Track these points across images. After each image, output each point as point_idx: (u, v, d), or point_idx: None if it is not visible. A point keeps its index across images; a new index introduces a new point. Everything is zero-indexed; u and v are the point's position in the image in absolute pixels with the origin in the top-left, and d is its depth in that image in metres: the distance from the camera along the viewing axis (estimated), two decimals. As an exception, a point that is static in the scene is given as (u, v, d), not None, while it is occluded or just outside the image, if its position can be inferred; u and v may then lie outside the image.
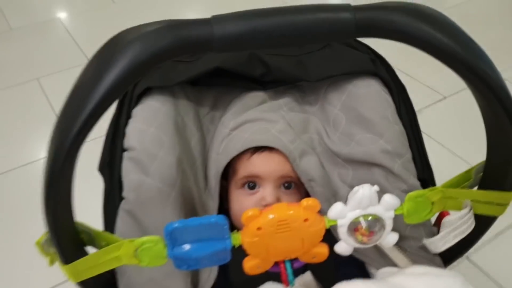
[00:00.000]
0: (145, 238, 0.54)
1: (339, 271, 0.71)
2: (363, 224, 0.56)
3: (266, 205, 0.70)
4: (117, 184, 0.69)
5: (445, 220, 0.57)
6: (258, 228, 0.55)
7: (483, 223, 0.58)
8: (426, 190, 0.56)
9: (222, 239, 0.55)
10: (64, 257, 0.52)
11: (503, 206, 0.54)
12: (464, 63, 0.45)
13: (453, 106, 1.64)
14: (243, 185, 0.73)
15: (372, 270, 0.69)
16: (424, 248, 0.66)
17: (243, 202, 0.73)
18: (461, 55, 0.45)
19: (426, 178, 0.71)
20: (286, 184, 0.73)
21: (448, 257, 0.66)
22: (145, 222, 0.65)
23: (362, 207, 0.55)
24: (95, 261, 0.54)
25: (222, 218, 0.54)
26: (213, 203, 0.73)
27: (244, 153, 0.72)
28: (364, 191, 0.54)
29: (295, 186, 0.73)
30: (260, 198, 0.71)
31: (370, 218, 0.56)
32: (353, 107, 0.74)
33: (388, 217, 0.56)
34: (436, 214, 0.67)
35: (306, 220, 0.55)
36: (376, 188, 0.55)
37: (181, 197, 0.67)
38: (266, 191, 0.71)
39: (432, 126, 1.46)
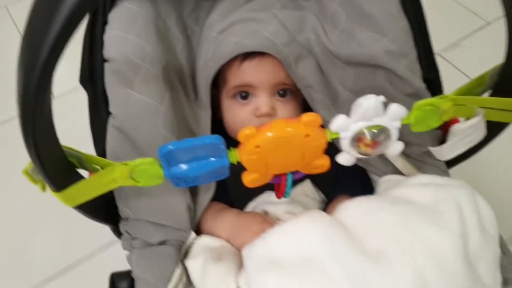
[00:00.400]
0: (139, 161, 0.51)
1: (340, 179, 0.70)
2: (367, 135, 0.53)
3: (261, 115, 0.67)
4: (101, 98, 0.64)
5: (454, 128, 0.54)
6: (256, 146, 0.52)
7: (493, 130, 0.55)
8: (436, 98, 0.52)
9: (219, 157, 0.53)
10: (55, 184, 0.49)
11: (516, 113, 0.51)
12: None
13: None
14: (234, 95, 0.69)
15: (374, 176, 0.68)
16: (427, 153, 0.64)
17: (236, 113, 0.69)
18: None
19: (431, 77, 0.67)
20: (281, 92, 0.68)
21: (451, 161, 0.64)
22: (137, 138, 0.62)
23: (367, 118, 0.52)
24: (89, 186, 0.52)
25: (217, 138, 0.51)
26: (205, 113, 0.69)
27: (234, 59, 0.66)
28: (369, 103, 0.50)
29: (290, 93, 0.69)
30: (254, 108, 0.67)
31: (374, 129, 0.53)
32: (354, 2, 0.67)
33: (394, 127, 0.53)
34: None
35: (307, 136, 0.52)
36: (382, 98, 0.51)
37: (171, 110, 0.63)
38: (260, 100, 0.67)
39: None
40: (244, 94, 0.68)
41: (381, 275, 0.47)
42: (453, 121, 0.61)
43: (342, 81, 0.68)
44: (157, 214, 0.61)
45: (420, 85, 0.63)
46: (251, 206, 0.70)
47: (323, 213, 0.56)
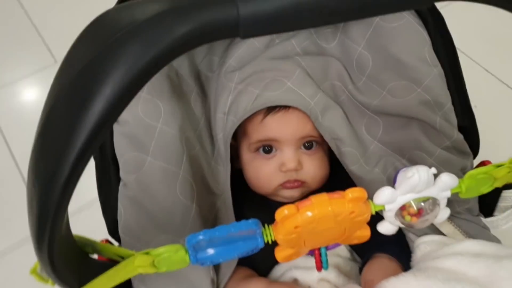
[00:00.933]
0: (162, 249, 0.46)
1: (373, 237, 0.65)
2: (414, 206, 0.48)
3: (287, 171, 0.62)
4: (111, 163, 0.58)
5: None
6: (296, 227, 0.46)
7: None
8: (491, 166, 0.47)
9: (253, 239, 0.47)
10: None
11: None
12: None
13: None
14: (257, 149, 0.64)
15: (410, 235, 0.63)
16: (469, 210, 0.59)
17: (260, 168, 0.64)
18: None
19: (466, 125, 0.62)
20: (307, 144, 0.63)
21: (488, 212, 0.60)
22: (153, 208, 0.56)
23: (416, 191, 0.47)
24: (107, 279, 0.46)
25: (254, 223, 0.45)
26: (225, 169, 0.63)
27: (256, 113, 0.61)
28: (420, 176, 0.45)
29: (316, 145, 0.64)
30: (279, 164, 0.62)
31: (422, 200, 0.48)
32: (382, 45, 0.61)
33: (443, 197, 0.48)
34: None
35: (352, 213, 0.47)
36: (433, 170, 0.46)
37: (189, 173, 0.58)
38: (285, 155, 0.62)
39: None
40: (268, 148, 0.63)
41: None
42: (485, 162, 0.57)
43: (370, 131, 0.63)
44: None
45: (458, 137, 0.59)
46: (278, 270, 0.64)
47: None
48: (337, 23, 0.38)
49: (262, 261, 0.64)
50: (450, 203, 0.58)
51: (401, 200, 0.48)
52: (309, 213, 0.46)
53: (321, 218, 0.46)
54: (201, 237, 0.44)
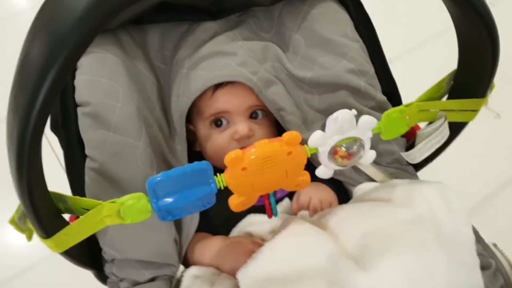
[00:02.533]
0: (126, 197, 0.51)
1: None
2: (343, 147, 0.56)
3: (240, 138, 0.69)
4: (76, 143, 0.64)
5: (420, 132, 0.58)
6: (243, 169, 0.53)
7: (454, 130, 0.60)
8: (402, 106, 0.56)
9: (206, 184, 0.54)
10: (45, 231, 0.48)
11: (475, 111, 0.56)
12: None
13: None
14: (211, 124, 0.71)
15: (349, 187, 0.71)
16: (396, 160, 0.68)
17: (215, 140, 0.70)
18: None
19: (390, 90, 0.72)
20: (254, 114, 0.71)
21: (418, 164, 0.68)
22: (117, 177, 0.62)
23: (342, 132, 0.55)
24: (78, 228, 0.51)
25: (206, 164, 0.52)
26: (182, 147, 0.70)
27: (206, 91, 0.69)
28: (343, 117, 0.54)
29: (263, 115, 0.72)
30: (232, 133, 0.69)
31: (349, 141, 0.56)
32: (311, 28, 0.71)
33: (366, 137, 0.57)
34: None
35: (289, 153, 0.54)
36: (354, 112, 0.54)
37: (149, 146, 0.64)
38: (237, 124, 0.69)
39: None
40: (219, 121, 0.70)
41: (372, 280, 0.50)
42: (415, 127, 0.66)
43: (308, 102, 0.72)
44: (145, 251, 0.61)
45: (381, 97, 0.68)
46: (234, 232, 0.70)
47: (308, 224, 0.58)
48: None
49: (220, 226, 0.70)
50: (380, 155, 0.67)
51: (331, 142, 0.56)
52: (253, 155, 0.53)
53: (264, 159, 0.53)
54: (159, 178, 0.50)
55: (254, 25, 0.77)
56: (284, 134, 0.54)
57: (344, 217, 0.58)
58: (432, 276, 0.50)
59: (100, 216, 0.51)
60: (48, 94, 0.37)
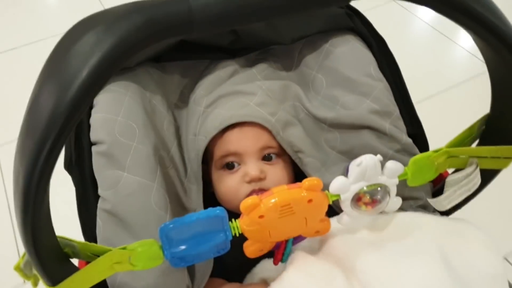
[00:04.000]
0: (137, 243, 0.49)
1: None
2: (367, 194, 0.53)
3: (251, 180, 0.66)
4: (89, 183, 0.63)
5: (450, 179, 0.55)
6: (260, 216, 0.51)
7: (486, 177, 0.56)
8: (431, 152, 0.53)
9: (221, 230, 0.51)
10: (50, 279, 0.46)
11: (509, 159, 0.52)
12: (470, 12, 0.41)
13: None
14: (222, 166, 0.69)
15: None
16: (422, 207, 0.64)
17: (227, 183, 0.68)
18: (467, 4, 0.41)
19: (416, 132, 0.69)
20: (266, 156, 0.68)
21: (446, 212, 0.64)
22: (129, 219, 0.59)
23: (366, 178, 0.52)
24: (85, 275, 0.48)
25: (221, 210, 0.50)
26: (197, 187, 0.68)
27: (218, 133, 0.67)
28: (367, 162, 0.51)
29: (277, 157, 0.69)
30: (243, 175, 0.67)
31: (373, 188, 0.53)
32: (333, 67, 0.69)
33: (392, 184, 0.54)
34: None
35: (309, 201, 0.51)
36: (379, 157, 0.51)
37: (163, 187, 0.62)
38: (248, 166, 0.67)
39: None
40: (231, 164, 0.68)
41: None
42: (443, 172, 0.62)
43: (330, 143, 0.69)
44: None
45: (407, 140, 0.65)
46: (248, 278, 0.67)
47: (313, 258, 0.57)
48: (277, 17, 0.45)
49: (234, 272, 0.67)
50: (405, 201, 0.64)
51: (353, 188, 0.53)
52: (271, 202, 0.50)
53: (282, 207, 0.51)
54: (171, 225, 0.48)
55: (273, 63, 0.76)
56: (304, 181, 0.51)
57: (348, 249, 0.56)
58: None
59: (110, 263, 0.49)
60: (56, 141, 0.36)
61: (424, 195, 0.63)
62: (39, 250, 0.43)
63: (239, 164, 0.68)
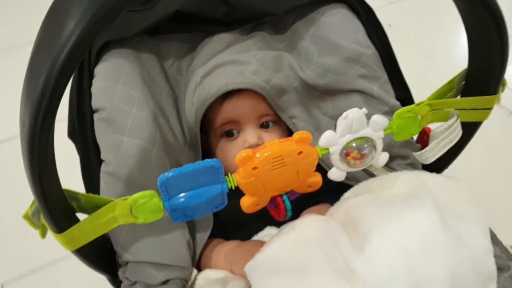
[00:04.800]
0: (139, 194, 0.52)
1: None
2: (355, 148, 0.56)
3: (250, 146, 0.69)
4: (92, 148, 0.66)
5: (434, 131, 0.58)
6: (254, 168, 0.53)
7: (468, 130, 0.59)
8: (413, 105, 0.56)
9: (217, 183, 0.54)
10: (57, 226, 0.49)
11: (488, 110, 0.55)
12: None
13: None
14: (221, 134, 0.72)
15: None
16: (412, 165, 0.67)
17: (226, 149, 0.71)
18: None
19: (404, 97, 0.72)
20: (264, 123, 0.71)
21: (436, 168, 0.67)
22: (131, 181, 0.62)
23: (352, 131, 0.55)
24: (90, 225, 0.51)
25: (216, 161, 0.52)
26: (196, 154, 0.71)
27: (215, 101, 0.70)
28: (353, 115, 0.54)
29: (274, 124, 0.72)
30: (242, 141, 0.70)
31: (360, 141, 0.56)
32: (323, 36, 0.72)
33: (378, 137, 0.56)
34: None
35: (300, 153, 0.54)
36: (364, 110, 0.54)
37: (163, 152, 0.65)
38: (247, 133, 0.70)
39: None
40: (230, 132, 0.71)
41: (369, 261, 0.51)
42: (426, 130, 0.65)
43: (322, 109, 0.72)
44: (158, 254, 0.61)
45: (395, 102, 0.68)
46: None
47: (315, 215, 0.58)
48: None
49: (234, 233, 0.70)
50: (393, 159, 0.67)
51: (342, 141, 0.56)
52: (265, 154, 0.53)
53: (274, 158, 0.54)
54: (170, 174, 0.51)
55: (267, 35, 0.79)
56: (295, 134, 0.54)
57: (348, 207, 0.59)
58: (429, 248, 0.50)
59: (112, 214, 0.52)
60: (58, 79, 0.39)
61: (411, 153, 0.66)
62: (46, 195, 0.46)
63: (238, 132, 0.71)
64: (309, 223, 0.57)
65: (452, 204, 0.54)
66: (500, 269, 0.53)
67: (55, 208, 0.48)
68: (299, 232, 0.56)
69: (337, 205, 0.60)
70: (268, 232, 0.70)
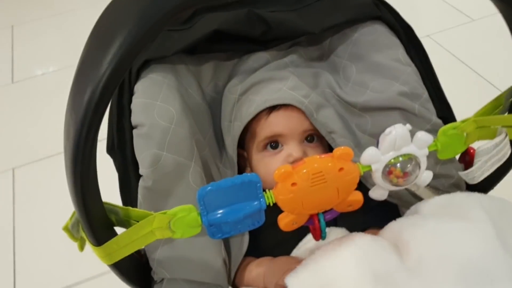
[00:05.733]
0: (177, 208, 0.52)
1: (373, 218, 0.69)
2: (398, 165, 0.55)
3: (294, 161, 0.68)
4: (131, 163, 0.66)
5: (480, 149, 0.55)
6: (293, 184, 0.52)
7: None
8: (459, 122, 0.54)
9: (255, 199, 0.53)
10: (96, 238, 0.49)
11: (537, 127, 0.53)
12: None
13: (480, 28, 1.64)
14: (265, 147, 0.71)
15: (405, 211, 0.68)
16: (456, 185, 0.65)
17: (269, 163, 0.70)
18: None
19: (445, 116, 0.70)
20: (308, 138, 0.71)
21: (482, 189, 0.64)
22: (168, 196, 0.62)
23: (396, 148, 0.54)
24: (128, 238, 0.51)
25: (255, 176, 0.52)
26: (232, 171, 0.70)
27: (259, 115, 0.69)
28: (397, 132, 0.53)
29: (317, 139, 0.71)
30: (286, 155, 0.68)
31: (403, 159, 0.54)
32: (362, 55, 0.72)
33: (422, 155, 0.55)
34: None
35: (341, 169, 0.53)
36: (408, 126, 0.53)
37: (200, 167, 0.65)
38: (291, 147, 0.69)
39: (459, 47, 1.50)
40: (274, 144, 0.70)
41: (424, 284, 0.48)
42: (470, 149, 0.63)
43: (361, 127, 0.71)
44: (194, 271, 0.60)
45: (437, 121, 0.66)
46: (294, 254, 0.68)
47: (365, 234, 0.56)
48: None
49: (271, 252, 0.68)
50: (437, 179, 0.65)
51: (384, 159, 0.54)
52: (305, 170, 0.52)
53: (315, 174, 0.52)
54: (209, 187, 0.50)
55: (304, 54, 0.79)
56: (336, 149, 0.53)
57: (400, 229, 0.55)
58: (489, 274, 0.47)
59: (151, 228, 0.51)
60: (104, 92, 0.39)
61: (456, 173, 0.64)
62: (87, 207, 0.46)
63: (282, 145, 0.70)
64: (358, 239, 0.55)
65: (507, 224, 0.51)
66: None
67: (95, 220, 0.48)
68: (347, 247, 0.54)
69: (388, 227, 0.58)
70: (305, 248, 0.68)
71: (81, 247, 0.52)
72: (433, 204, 0.57)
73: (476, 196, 0.56)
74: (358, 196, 0.57)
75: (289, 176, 0.53)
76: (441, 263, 0.48)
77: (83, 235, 0.50)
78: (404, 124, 0.65)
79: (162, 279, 0.61)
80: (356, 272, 0.49)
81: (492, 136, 0.55)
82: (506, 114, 0.56)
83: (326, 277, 0.51)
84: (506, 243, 0.49)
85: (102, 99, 0.39)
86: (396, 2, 0.77)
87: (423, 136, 0.54)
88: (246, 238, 0.65)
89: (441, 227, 0.53)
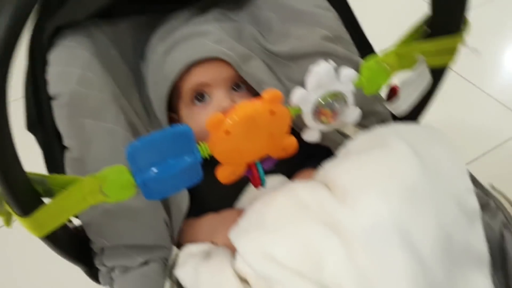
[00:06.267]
0: (107, 170, 0.49)
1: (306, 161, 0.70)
2: (326, 105, 0.55)
3: (223, 111, 0.66)
4: (54, 137, 0.62)
5: (402, 80, 0.57)
6: (226, 132, 0.52)
7: (436, 77, 0.59)
8: (380, 55, 0.55)
9: (190, 152, 0.52)
10: (22, 208, 0.46)
11: (452, 53, 0.55)
12: None
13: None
14: (192, 101, 0.68)
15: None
16: (383, 121, 0.67)
17: (199, 117, 0.66)
18: None
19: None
20: (235, 87, 0.68)
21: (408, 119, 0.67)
22: (98, 164, 0.59)
23: (322, 86, 0.54)
24: (58, 205, 0.48)
25: (186, 126, 0.50)
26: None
27: (185, 72, 0.67)
28: (320, 68, 0.53)
29: (245, 87, 0.69)
30: (215, 106, 0.65)
31: (331, 97, 0.55)
32: (282, 4, 0.72)
33: (348, 90, 0.56)
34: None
35: (272, 113, 0.53)
36: (332, 63, 0.53)
37: (129, 131, 0.63)
38: (219, 97, 0.65)
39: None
40: (201, 94, 0.67)
41: (352, 210, 0.50)
42: (395, 87, 0.65)
43: (288, 76, 0.71)
44: (134, 235, 0.58)
45: (359, 60, 0.68)
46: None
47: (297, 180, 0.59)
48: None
49: (213, 209, 0.67)
50: (365, 117, 0.66)
51: (312, 98, 0.55)
52: (236, 116, 0.52)
53: (247, 120, 0.52)
54: (138, 142, 0.48)
55: (225, 9, 0.77)
56: (265, 92, 0.53)
57: (328, 168, 0.58)
58: (411, 190, 0.50)
59: (81, 193, 0.49)
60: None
61: (383, 109, 0.66)
62: (8, 177, 0.43)
63: (209, 97, 0.67)
64: (291, 185, 0.56)
65: (428, 147, 0.54)
66: (481, 207, 0.53)
67: (19, 191, 0.45)
68: (282, 194, 0.55)
69: (320, 169, 0.60)
70: (253, 194, 0.68)
71: (7, 222, 0.49)
72: (359, 140, 0.60)
73: (392, 126, 0.60)
74: (292, 140, 0.58)
75: (221, 123, 0.52)
76: (365, 188, 0.51)
77: (8, 208, 0.47)
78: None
79: (103, 249, 0.59)
80: (292, 210, 0.52)
81: (413, 65, 0.57)
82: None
83: (265, 221, 0.52)
84: (423, 160, 0.52)
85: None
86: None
87: (347, 71, 0.55)
88: (186, 195, 0.63)
89: (360, 158, 0.56)
